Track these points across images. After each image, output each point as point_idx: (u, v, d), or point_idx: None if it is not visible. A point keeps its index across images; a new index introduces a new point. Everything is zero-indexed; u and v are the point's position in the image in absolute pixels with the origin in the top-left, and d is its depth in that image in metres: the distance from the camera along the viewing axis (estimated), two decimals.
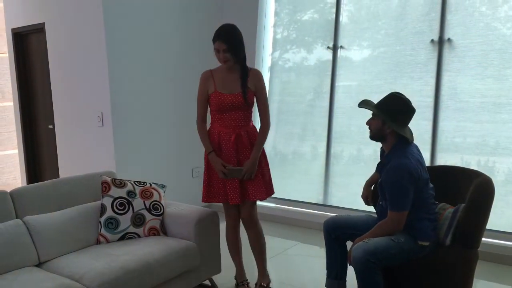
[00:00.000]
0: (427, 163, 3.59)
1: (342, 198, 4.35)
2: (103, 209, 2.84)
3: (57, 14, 4.40)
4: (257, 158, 2.72)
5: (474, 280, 2.46)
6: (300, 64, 4.64)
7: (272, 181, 2.92)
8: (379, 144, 2.58)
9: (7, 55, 5.26)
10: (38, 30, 4.64)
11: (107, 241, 2.79)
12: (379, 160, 2.69)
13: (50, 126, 4.76)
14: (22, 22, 4.82)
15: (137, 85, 4.21)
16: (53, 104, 4.62)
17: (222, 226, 3.00)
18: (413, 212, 2.37)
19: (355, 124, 4.22)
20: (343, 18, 4.28)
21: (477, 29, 3.60)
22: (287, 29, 4.73)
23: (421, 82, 3.86)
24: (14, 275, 2.37)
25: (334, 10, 4.31)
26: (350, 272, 2.49)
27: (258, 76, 2.76)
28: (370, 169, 2.94)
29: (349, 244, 2.59)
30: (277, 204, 4.65)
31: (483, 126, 3.60)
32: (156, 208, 2.93)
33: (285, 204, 4.62)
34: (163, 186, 3.12)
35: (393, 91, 2.52)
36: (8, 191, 2.68)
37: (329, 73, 4.37)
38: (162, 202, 2.99)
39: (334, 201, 4.42)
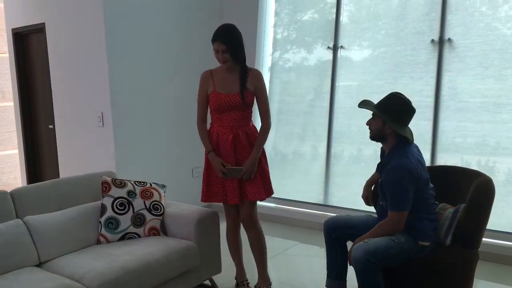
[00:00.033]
0: (428, 163, 3.59)
1: (342, 198, 4.35)
2: (103, 209, 2.84)
3: (57, 14, 4.41)
4: (256, 158, 2.72)
5: (475, 280, 2.46)
6: (300, 64, 4.64)
7: (272, 181, 2.91)
8: (379, 144, 2.58)
9: (7, 55, 5.27)
10: (38, 30, 4.64)
11: (107, 241, 2.79)
12: (379, 160, 2.69)
13: (50, 126, 4.76)
14: (22, 22, 4.82)
15: (137, 85, 4.21)
16: (53, 104, 4.62)
17: (223, 226, 3.00)
18: (414, 212, 2.37)
19: (355, 124, 4.22)
20: (344, 18, 4.28)
21: (477, 29, 3.60)
22: (287, 29, 4.73)
23: (421, 82, 3.86)
24: (15, 275, 2.37)
25: (334, 10, 4.31)
26: (351, 272, 2.49)
27: (258, 76, 2.76)
28: (370, 169, 2.94)
29: (349, 244, 2.59)
30: (277, 204, 4.65)
31: (483, 126, 3.60)
32: (156, 208, 2.93)
33: (285, 204, 4.62)
34: (163, 186, 3.12)
35: (393, 91, 2.52)
36: (9, 191, 2.68)
37: (329, 73, 4.37)
38: (162, 202, 2.99)
39: (334, 201, 4.42)
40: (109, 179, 2.93)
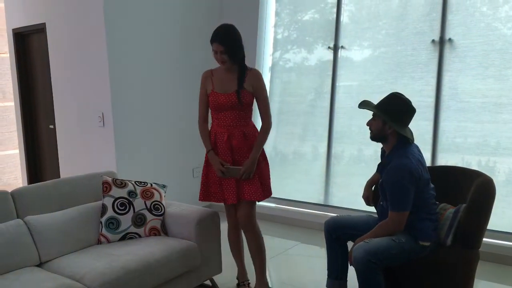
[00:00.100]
0: (428, 163, 3.59)
1: (343, 198, 4.35)
2: (104, 209, 2.84)
3: (58, 15, 4.41)
4: (256, 158, 2.71)
5: (475, 280, 2.46)
6: (300, 64, 4.64)
7: (272, 181, 2.90)
8: (380, 145, 2.58)
9: (8, 55, 5.27)
10: (39, 30, 4.64)
11: (108, 241, 2.80)
12: (379, 160, 2.69)
13: (51, 126, 4.76)
14: (23, 22, 4.82)
15: (137, 85, 4.21)
16: (54, 104, 4.62)
17: (223, 226, 3.00)
18: (414, 212, 2.37)
19: (356, 124, 4.22)
20: (344, 18, 4.28)
21: (478, 29, 3.60)
22: (287, 29, 4.73)
23: (422, 82, 3.86)
24: (15, 275, 2.37)
25: (335, 10, 4.31)
26: (351, 272, 2.49)
27: (257, 76, 2.75)
28: (371, 170, 2.94)
29: (349, 244, 2.59)
30: (277, 204, 4.65)
31: (484, 126, 3.60)
32: (157, 208, 2.93)
33: (285, 204, 4.62)
34: (163, 186, 3.12)
35: (393, 91, 2.52)
36: (9, 191, 2.68)
37: (330, 73, 4.37)
38: (163, 202, 3.00)
39: (335, 201, 4.42)
40: (109, 179, 2.93)
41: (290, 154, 4.75)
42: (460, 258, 2.37)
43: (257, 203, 2.85)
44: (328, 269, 2.73)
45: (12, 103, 5.38)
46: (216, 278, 3.10)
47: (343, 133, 4.35)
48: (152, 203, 2.93)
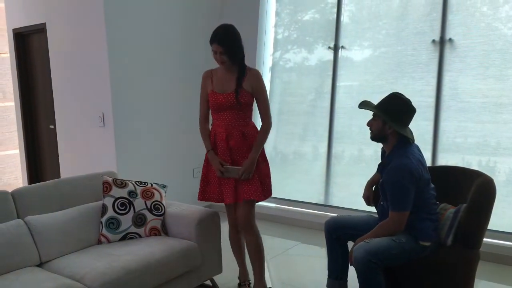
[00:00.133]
0: (428, 163, 3.59)
1: (343, 198, 4.35)
2: (104, 209, 2.84)
3: (58, 14, 4.41)
4: (255, 158, 2.70)
5: (475, 280, 2.45)
6: (301, 64, 4.64)
7: (272, 181, 2.89)
8: (380, 145, 2.58)
9: (8, 55, 5.27)
10: (39, 30, 4.64)
11: (108, 241, 2.80)
12: (380, 160, 2.69)
13: (51, 126, 4.76)
14: (23, 22, 4.83)
15: (138, 85, 4.22)
16: (54, 104, 4.62)
17: (224, 226, 3.00)
18: (415, 212, 2.37)
19: (356, 124, 4.22)
20: (344, 18, 4.28)
21: (478, 29, 3.60)
22: (288, 29, 4.73)
23: (422, 82, 3.86)
24: (16, 275, 2.37)
25: (335, 10, 4.31)
26: (351, 272, 2.49)
27: (257, 76, 2.74)
28: (371, 170, 2.94)
29: (350, 244, 2.59)
30: (277, 204, 4.65)
31: (484, 126, 3.60)
32: (157, 208, 2.93)
33: (286, 204, 4.62)
34: (164, 186, 3.12)
35: (394, 91, 2.52)
36: (10, 191, 2.68)
37: (330, 73, 4.37)
38: (163, 202, 3.00)
39: (335, 201, 4.42)
40: (110, 179, 2.93)
41: (291, 154, 4.75)
42: (461, 258, 2.37)
43: (257, 203, 2.84)
44: (328, 269, 2.73)
45: (12, 103, 5.38)
46: (217, 278, 3.10)
47: (344, 133, 4.35)
48: (152, 203, 2.93)
